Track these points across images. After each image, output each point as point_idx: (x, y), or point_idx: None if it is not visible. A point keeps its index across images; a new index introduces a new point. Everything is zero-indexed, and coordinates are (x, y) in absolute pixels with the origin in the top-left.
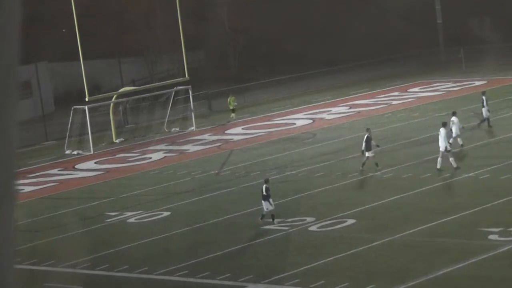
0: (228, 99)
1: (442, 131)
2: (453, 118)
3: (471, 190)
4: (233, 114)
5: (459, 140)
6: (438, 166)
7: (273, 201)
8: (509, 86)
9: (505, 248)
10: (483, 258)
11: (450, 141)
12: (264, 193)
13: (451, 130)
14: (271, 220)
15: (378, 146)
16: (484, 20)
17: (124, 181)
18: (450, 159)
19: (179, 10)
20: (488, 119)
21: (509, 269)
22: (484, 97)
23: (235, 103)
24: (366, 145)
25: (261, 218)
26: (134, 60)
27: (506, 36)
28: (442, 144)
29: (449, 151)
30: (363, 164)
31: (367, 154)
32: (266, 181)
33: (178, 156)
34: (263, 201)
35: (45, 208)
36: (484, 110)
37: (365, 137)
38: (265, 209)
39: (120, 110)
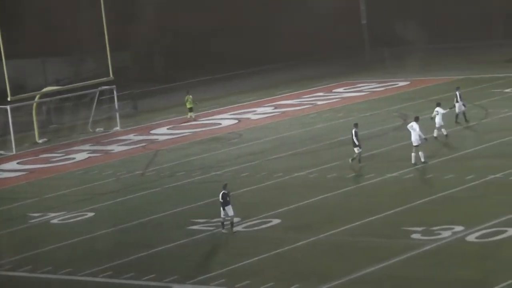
0: (185, 98)
1: (415, 125)
2: (438, 109)
3: (395, 190)
4: (190, 113)
5: (443, 131)
6: (413, 161)
7: (199, 201)
8: (432, 87)
9: (428, 247)
10: (406, 257)
11: (435, 132)
12: (221, 199)
13: (431, 118)
14: (229, 227)
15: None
16: (408, 21)
17: (48, 182)
18: (420, 153)
19: (104, 10)
20: (464, 113)
21: (432, 268)
22: (458, 92)
23: (193, 103)
24: (354, 140)
25: (223, 228)
26: (58, 59)
27: (429, 37)
28: (414, 138)
29: (418, 146)
30: (356, 159)
31: (355, 149)
32: (224, 187)
33: (102, 156)
34: (221, 208)
35: None
36: (457, 105)
37: (353, 131)
38: (222, 216)
39: (43, 110)
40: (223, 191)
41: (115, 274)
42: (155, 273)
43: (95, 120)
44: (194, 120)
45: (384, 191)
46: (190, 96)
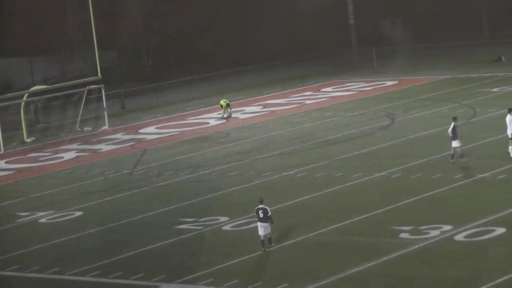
0: (221, 102)
1: (509, 117)
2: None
3: (383, 189)
4: (228, 109)
5: None
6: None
7: (187, 200)
8: (420, 86)
9: (416, 246)
10: (395, 256)
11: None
12: (261, 215)
13: None
14: (269, 244)
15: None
16: (395, 21)
17: (36, 181)
18: (510, 147)
19: (92, 9)
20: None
21: (420, 267)
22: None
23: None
24: (453, 134)
25: (263, 249)
26: (46, 58)
27: (416, 37)
28: (510, 131)
29: None
30: (452, 156)
31: (453, 144)
32: (261, 201)
33: (90, 156)
34: (259, 223)
35: None
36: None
37: (452, 125)
38: (259, 234)
39: (31, 109)
40: (261, 205)
41: (103, 274)
42: (143, 272)
43: (83, 119)
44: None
45: (372, 191)
46: (227, 101)
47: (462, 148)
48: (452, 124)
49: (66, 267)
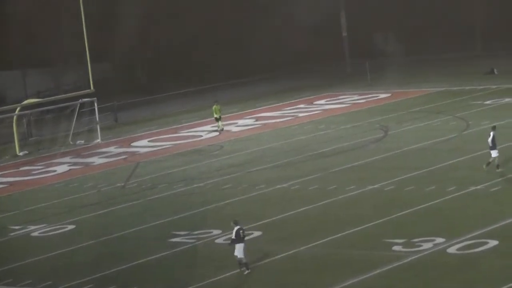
0: (213, 108)
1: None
2: None
3: (376, 201)
4: (219, 123)
5: None
6: None
7: (181, 213)
8: (412, 99)
9: (409, 259)
10: (387, 269)
11: None
12: (234, 236)
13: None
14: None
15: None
16: (388, 34)
17: (28, 194)
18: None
19: (85, 22)
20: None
21: (413, 279)
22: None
23: (220, 113)
24: (492, 144)
25: (240, 268)
26: (39, 71)
27: (409, 49)
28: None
29: None
30: (488, 163)
31: (493, 153)
32: (236, 223)
33: (83, 169)
34: (236, 245)
35: None
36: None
37: (492, 135)
38: (236, 254)
39: (24, 122)
40: (236, 227)
41: (96, 287)
42: (136, 285)
43: (75, 132)
44: (222, 130)
45: (365, 203)
46: (218, 106)
47: (457, 160)
48: (492, 133)
49: (59, 280)
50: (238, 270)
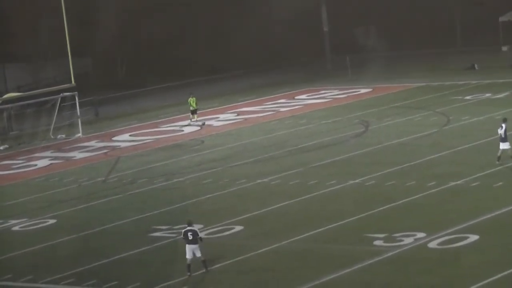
0: (189, 100)
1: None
2: None
3: (357, 196)
4: (194, 115)
5: None
6: None
7: (162, 208)
8: (394, 94)
9: (390, 254)
10: (369, 264)
11: None
12: (190, 237)
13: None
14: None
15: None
16: (369, 29)
17: (9, 189)
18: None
19: (65, 16)
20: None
21: (394, 274)
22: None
23: (196, 106)
24: (504, 136)
25: (189, 274)
26: (19, 65)
27: (390, 44)
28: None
29: None
30: (499, 158)
31: (503, 146)
32: (189, 223)
33: (64, 163)
34: (188, 245)
35: None
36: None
37: (504, 127)
38: (187, 257)
39: (4, 116)
40: (188, 228)
41: (77, 281)
42: (117, 280)
43: (56, 126)
44: (197, 122)
45: (346, 198)
46: (194, 97)
47: (437, 155)
48: (504, 125)
49: (40, 275)
50: (187, 276)
